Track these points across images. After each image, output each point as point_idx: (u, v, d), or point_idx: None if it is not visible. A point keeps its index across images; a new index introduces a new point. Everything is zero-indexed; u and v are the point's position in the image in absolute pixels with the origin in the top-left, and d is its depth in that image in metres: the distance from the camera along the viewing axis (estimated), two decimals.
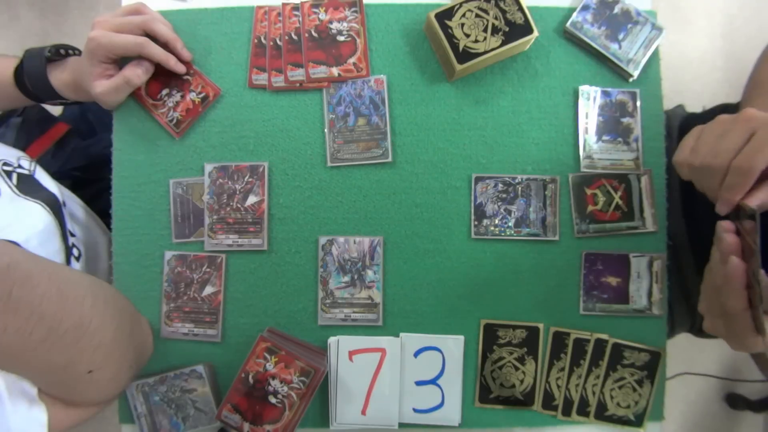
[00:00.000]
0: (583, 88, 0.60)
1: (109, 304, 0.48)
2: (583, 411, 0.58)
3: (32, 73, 0.58)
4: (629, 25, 0.60)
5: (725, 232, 0.40)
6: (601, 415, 0.58)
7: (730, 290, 0.38)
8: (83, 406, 0.49)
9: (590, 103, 0.60)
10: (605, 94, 0.60)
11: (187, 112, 0.60)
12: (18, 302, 0.37)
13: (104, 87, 0.56)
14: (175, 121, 0.59)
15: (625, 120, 0.60)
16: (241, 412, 0.53)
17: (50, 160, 0.75)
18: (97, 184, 0.74)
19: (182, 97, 0.60)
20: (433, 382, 0.58)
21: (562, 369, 0.58)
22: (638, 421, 0.58)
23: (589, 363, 0.58)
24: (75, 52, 0.62)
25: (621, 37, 0.60)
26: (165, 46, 0.57)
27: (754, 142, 0.39)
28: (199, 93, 0.60)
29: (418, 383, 0.58)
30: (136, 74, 0.56)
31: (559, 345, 0.58)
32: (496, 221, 0.59)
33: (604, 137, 0.60)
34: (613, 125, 0.60)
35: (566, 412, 0.58)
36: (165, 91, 0.60)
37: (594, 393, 0.58)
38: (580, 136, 0.60)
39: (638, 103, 0.60)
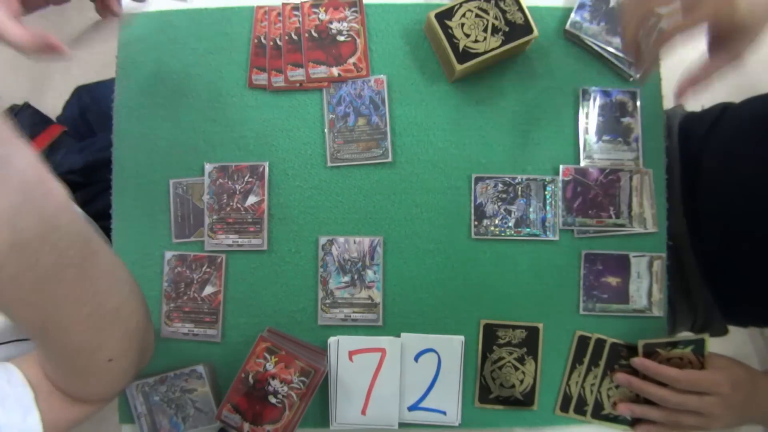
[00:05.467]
0: (583, 88, 0.60)
1: (136, 294, 0.48)
2: (580, 410, 0.58)
3: None
4: None
5: None
6: (598, 414, 0.58)
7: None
8: (89, 401, 0.50)
9: (590, 103, 0.60)
10: (605, 94, 0.60)
11: None
12: (86, 273, 0.37)
13: None
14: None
15: (625, 120, 0.60)
16: (241, 412, 0.53)
17: (44, 162, 0.75)
18: (92, 187, 0.73)
19: None
20: (433, 382, 0.58)
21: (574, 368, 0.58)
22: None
23: (589, 362, 0.58)
24: None
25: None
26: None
27: None
28: None
29: (418, 383, 0.58)
30: None
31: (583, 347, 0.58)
32: (496, 221, 0.59)
33: (604, 137, 0.60)
34: (613, 125, 0.60)
35: (564, 408, 0.58)
36: None
37: (591, 392, 0.58)
38: (580, 136, 0.60)
39: (638, 103, 0.60)
